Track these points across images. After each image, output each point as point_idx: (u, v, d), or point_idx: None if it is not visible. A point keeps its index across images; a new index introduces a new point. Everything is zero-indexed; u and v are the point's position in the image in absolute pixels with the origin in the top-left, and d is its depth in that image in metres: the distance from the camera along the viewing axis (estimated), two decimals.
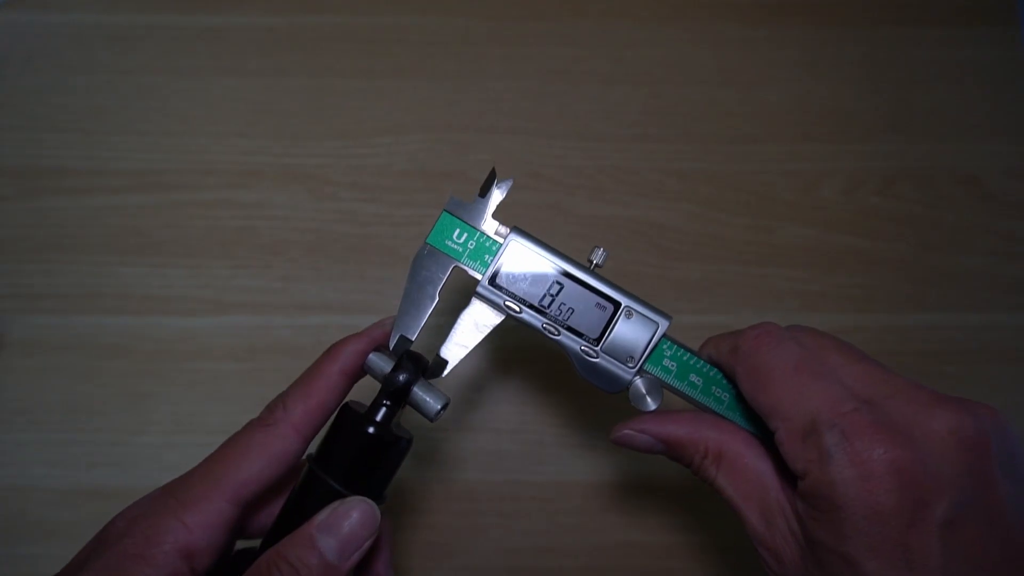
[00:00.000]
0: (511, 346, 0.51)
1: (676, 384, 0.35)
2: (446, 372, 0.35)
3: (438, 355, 0.35)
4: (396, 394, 0.33)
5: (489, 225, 0.36)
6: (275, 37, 0.55)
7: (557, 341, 0.35)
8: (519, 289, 0.35)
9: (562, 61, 0.56)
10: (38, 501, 0.47)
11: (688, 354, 0.35)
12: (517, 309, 0.35)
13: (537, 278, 0.35)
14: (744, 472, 0.32)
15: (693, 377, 0.35)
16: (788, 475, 0.30)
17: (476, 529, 0.48)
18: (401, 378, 0.33)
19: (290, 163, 0.53)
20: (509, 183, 0.36)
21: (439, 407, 0.33)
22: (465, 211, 0.36)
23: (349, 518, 0.30)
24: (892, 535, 0.26)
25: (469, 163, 0.53)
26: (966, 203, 0.54)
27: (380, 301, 0.51)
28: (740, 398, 0.34)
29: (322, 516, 0.30)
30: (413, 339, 0.35)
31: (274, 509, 0.34)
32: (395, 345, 0.35)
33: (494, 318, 0.35)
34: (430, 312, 0.35)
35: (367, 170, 0.53)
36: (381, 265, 0.52)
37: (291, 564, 0.29)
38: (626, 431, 0.35)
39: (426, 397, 0.33)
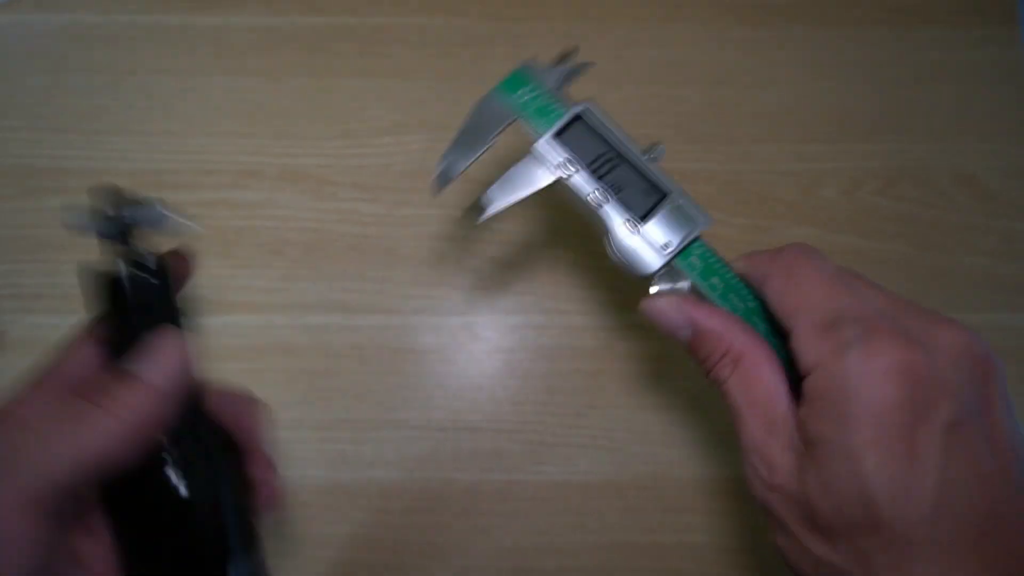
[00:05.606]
0: (511, 345, 0.51)
1: (697, 280, 0.35)
2: (484, 217, 0.34)
3: (480, 198, 0.35)
4: (119, 232, 0.32)
5: (558, 92, 0.36)
6: (275, 37, 0.55)
7: (600, 211, 0.35)
8: (576, 153, 0.35)
9: None
10: None
11: (716, 258, 0.35)
12: (571, 170, 0.35)
13: (597, 148, 0.35)
14: (758, 381, 0.32)
15: (714, 279, 0.35)
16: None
17: (476, 529, 0.48)
18: (109, 213, 0.32)
19: (290, 163, 0.53)
20: (588, 64, 0.36)
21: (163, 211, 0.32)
22: (538, 73, 0.36)
23: (154, 344, 0.32)
24: (897, 431, 0.27)
25: None
26: (966, 203, 0.54)
27: (380, 301, 0.51)
28: (753, 313, 0.34)
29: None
30: (455, 176, 0.35)
31: None
32: (439, 175, 0.35)
33: (546, 176, 0.35)
34: (480, 154, 0.35)
35: (367, 170, 0.53)
36: (381, 265, 0.52)
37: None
38: (662, 302, 0.35)
39: (167, 214, 0.32)
